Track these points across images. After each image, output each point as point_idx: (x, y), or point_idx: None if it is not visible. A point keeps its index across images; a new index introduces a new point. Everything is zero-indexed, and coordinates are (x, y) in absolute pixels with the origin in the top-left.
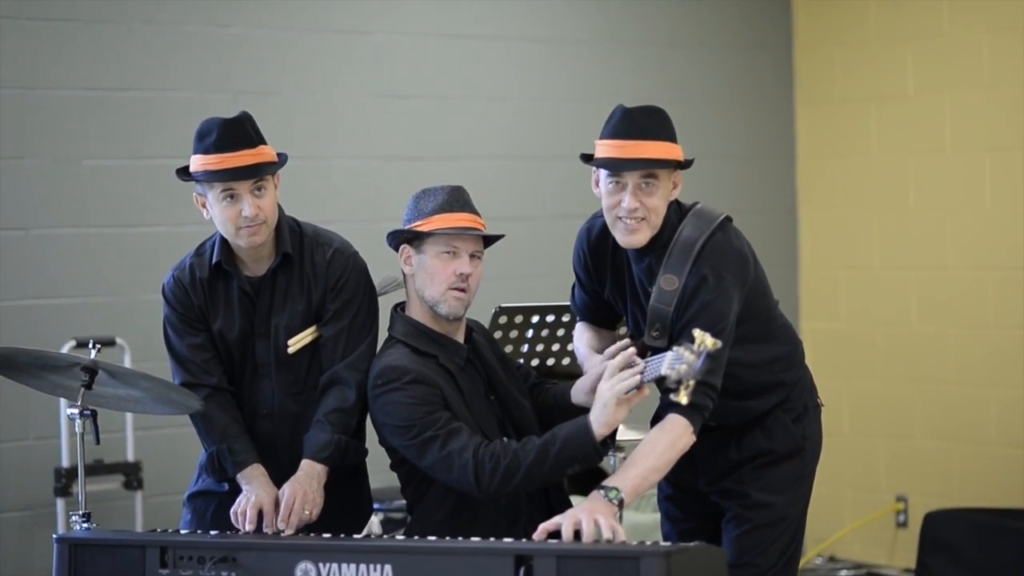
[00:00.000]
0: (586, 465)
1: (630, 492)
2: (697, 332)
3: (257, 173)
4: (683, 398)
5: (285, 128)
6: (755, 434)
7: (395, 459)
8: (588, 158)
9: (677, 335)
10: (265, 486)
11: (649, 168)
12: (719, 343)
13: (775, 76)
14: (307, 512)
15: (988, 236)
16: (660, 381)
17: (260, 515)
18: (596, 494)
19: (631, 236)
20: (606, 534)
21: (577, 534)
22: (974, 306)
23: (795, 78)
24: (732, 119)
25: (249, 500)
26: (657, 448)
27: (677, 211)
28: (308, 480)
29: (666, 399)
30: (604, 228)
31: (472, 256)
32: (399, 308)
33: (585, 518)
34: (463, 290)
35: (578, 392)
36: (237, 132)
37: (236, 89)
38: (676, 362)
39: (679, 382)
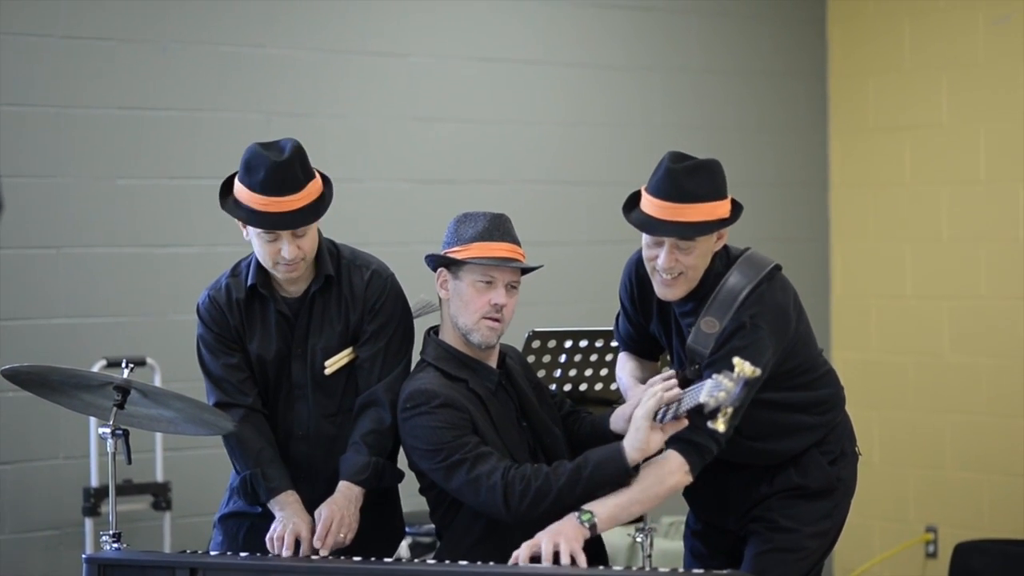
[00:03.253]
0: (619, 486)
1: (605, 519)
2: (737, 360)
3: (299, 223)
4: (720, 426)
5: (318, 150)
6: (789, 471)
7: (424, 483)
8: (631, 203)
9: (703, 371)
10: (300, 513)
11: (684, 234)
12: (758, 371)
13: (809, 104)
14: (342, 535)
15: (1022, 266)
16: (696, 412)
17: (297, 542)
18: (570, 516)
19: (667, 290)
20: (564, 559)
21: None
22: (1007, 336)
23: (829, 106)
24: (765, 147)
25: (287, 527)
26: (644, 481)
27: (724, 258)
28: (345, 503)
29: (673, 436)
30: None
31: (508, 287)
32: (432, 331)
33: (546, 540)
34: (497, 320)
35: (617, 420)
36: (284, 176)
37: (270, 110)
38: (715, 389)
39: (717, 409)
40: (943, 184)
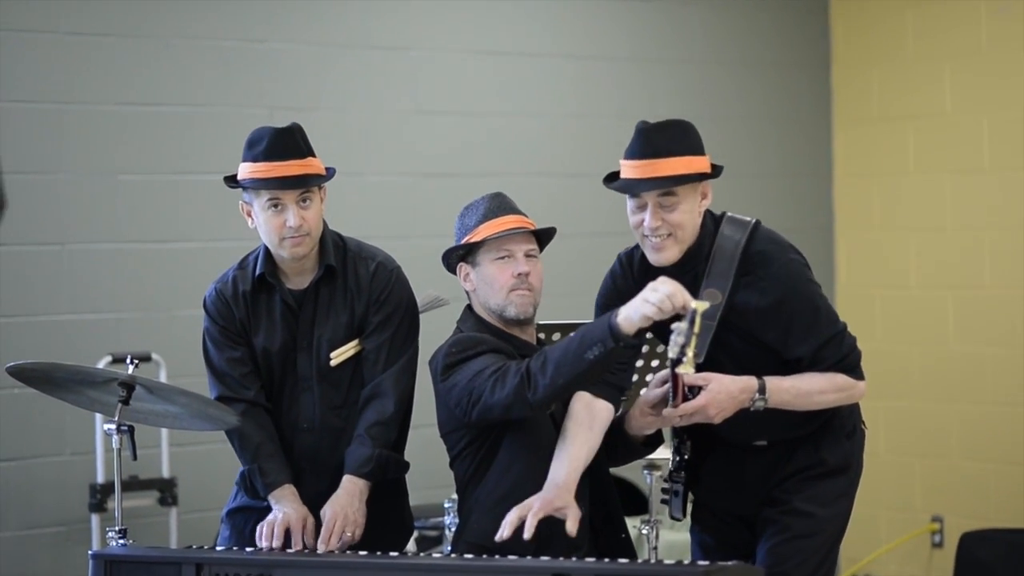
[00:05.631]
0: (604, 350)
1: (774, 388)
2: (695, 302)
3: (303, 184)
4: (689, 368)
5: (321, 144)
6: (807, 447)
7: (454, 451)
8: (611, 178)
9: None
10: (294, 505)
11: (662, 187)
12: (706, 303)
13: (812, 95)
14: (349, 534)
15: None
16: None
17: (289, 534)
18: (748, 385)
19: (659, 254)
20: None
21: None
22: (1011, 325)
23: (833, 97)
24: (769, 137)
25: (277, 517)
26: (815, 382)
27: (712, 220)
28: (350, 499)
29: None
30: (642, 256)
31: (527, 256)
32: (471, 307)
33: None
34: (526, 289)
35: (629, 419)
36: (286, 142)
37: (272, 105)
38: (675, 336)
39: (682, 354)
40: (947, 173)
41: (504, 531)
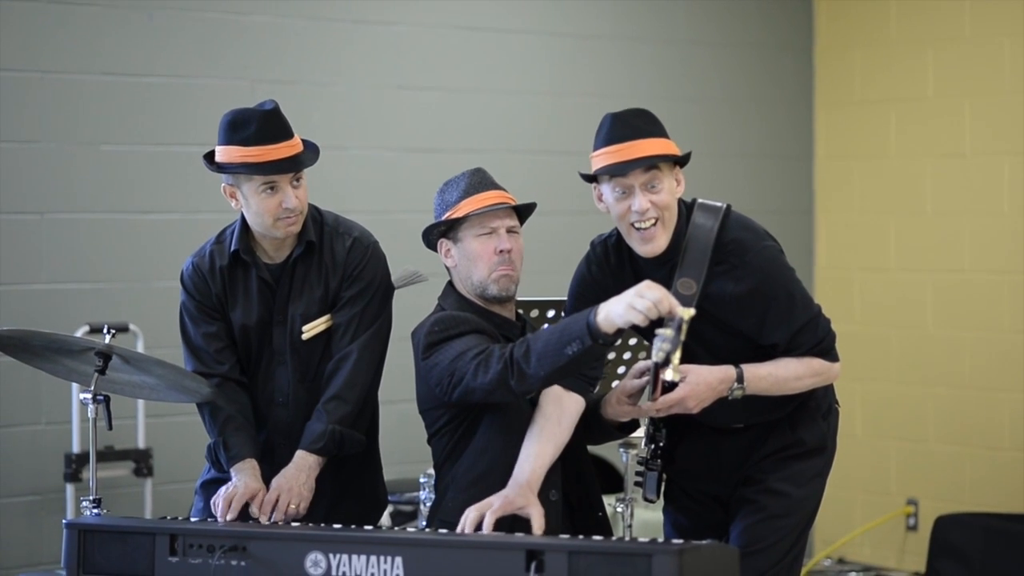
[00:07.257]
0: (583, 347)
1: (751, 375)
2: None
3: (299, 165)
4: (673, 374)
5: (303, 118)
6: (783, 428)
7: (433, 428)
8: (588, 178)
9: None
10: (248, 479)
11: (652, 163)
12: (692, 310)
13: (795, 77)
14: (293, 506)
15: (1005, 240)
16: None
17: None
18: (727, 375)
19: (650, 244)
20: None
21: None
22: (989, 310)
23: (815, 79)
24: (751, 119)
25: (228, 489)
26: (792, 367)
27: (684, 208)
28: (296, 473)
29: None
30: (616, 245)
31: (509, 231)
32: (452, 284)
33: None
34: (509, 267)
35: (606, 404)
36: (276, 124)
37: (254, 77)
38: (661, 342)
39: (668, 360)
40: (928, 157)
41: (465, 528)
